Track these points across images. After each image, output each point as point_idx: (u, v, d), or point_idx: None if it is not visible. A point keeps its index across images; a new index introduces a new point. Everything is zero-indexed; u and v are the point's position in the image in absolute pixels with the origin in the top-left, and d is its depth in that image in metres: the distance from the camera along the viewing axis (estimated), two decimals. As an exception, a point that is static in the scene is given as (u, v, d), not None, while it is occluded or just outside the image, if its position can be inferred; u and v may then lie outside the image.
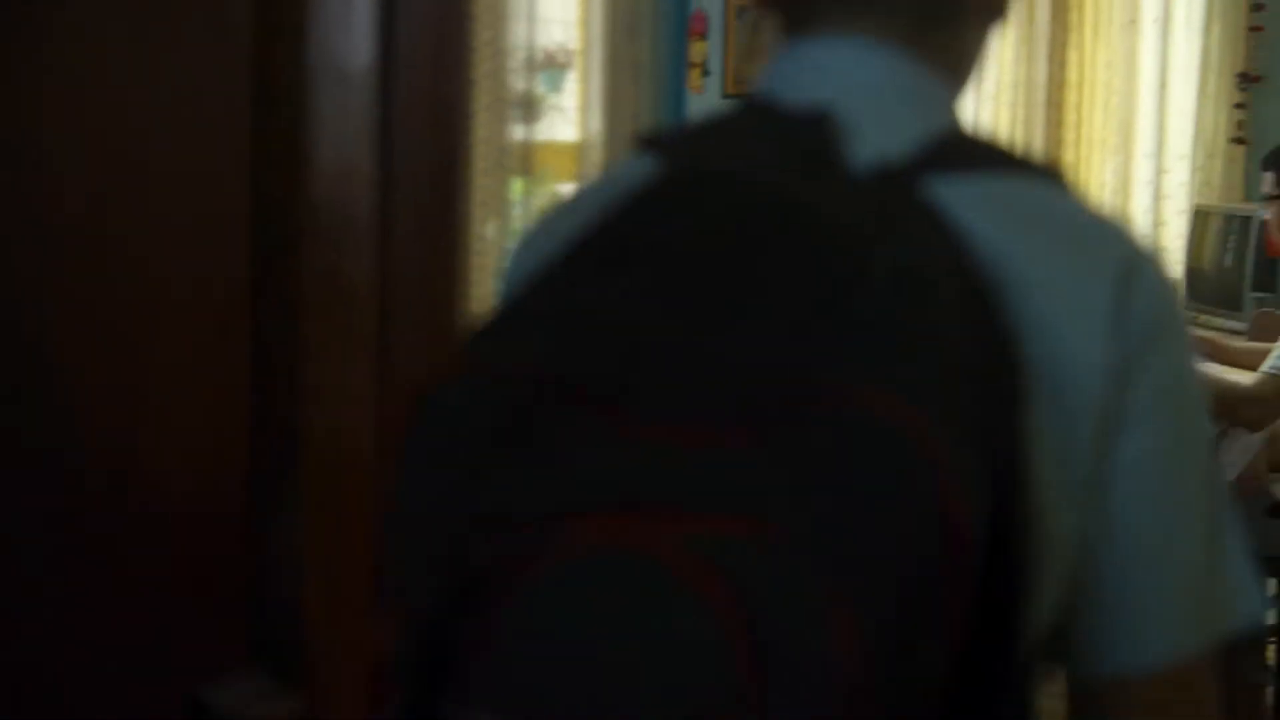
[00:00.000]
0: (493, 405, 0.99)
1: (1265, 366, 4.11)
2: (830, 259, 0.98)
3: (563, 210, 1.22)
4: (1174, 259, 7.75)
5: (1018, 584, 0.97)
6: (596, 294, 1.01)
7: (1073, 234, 1.14)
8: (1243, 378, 4.21)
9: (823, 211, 1.01)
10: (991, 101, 8.13)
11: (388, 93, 1.35)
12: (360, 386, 1.35)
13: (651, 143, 1.19)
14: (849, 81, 1.17)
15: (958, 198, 1.08)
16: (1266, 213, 4.42)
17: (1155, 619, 1.10)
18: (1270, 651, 4.51)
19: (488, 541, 0.94)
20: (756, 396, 0.94)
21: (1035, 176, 1.16)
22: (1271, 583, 4.81)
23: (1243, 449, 4.17)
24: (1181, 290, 7.48)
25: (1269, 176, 4.38)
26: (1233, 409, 4.07)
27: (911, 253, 1.00)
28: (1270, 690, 4.49)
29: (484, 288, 4.82)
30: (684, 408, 0.95)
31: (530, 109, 5.35)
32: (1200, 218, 7.37)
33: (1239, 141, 7.55)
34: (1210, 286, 7.23)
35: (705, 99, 8.91)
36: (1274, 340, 4.22)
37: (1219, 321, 6.96)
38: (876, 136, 1.12)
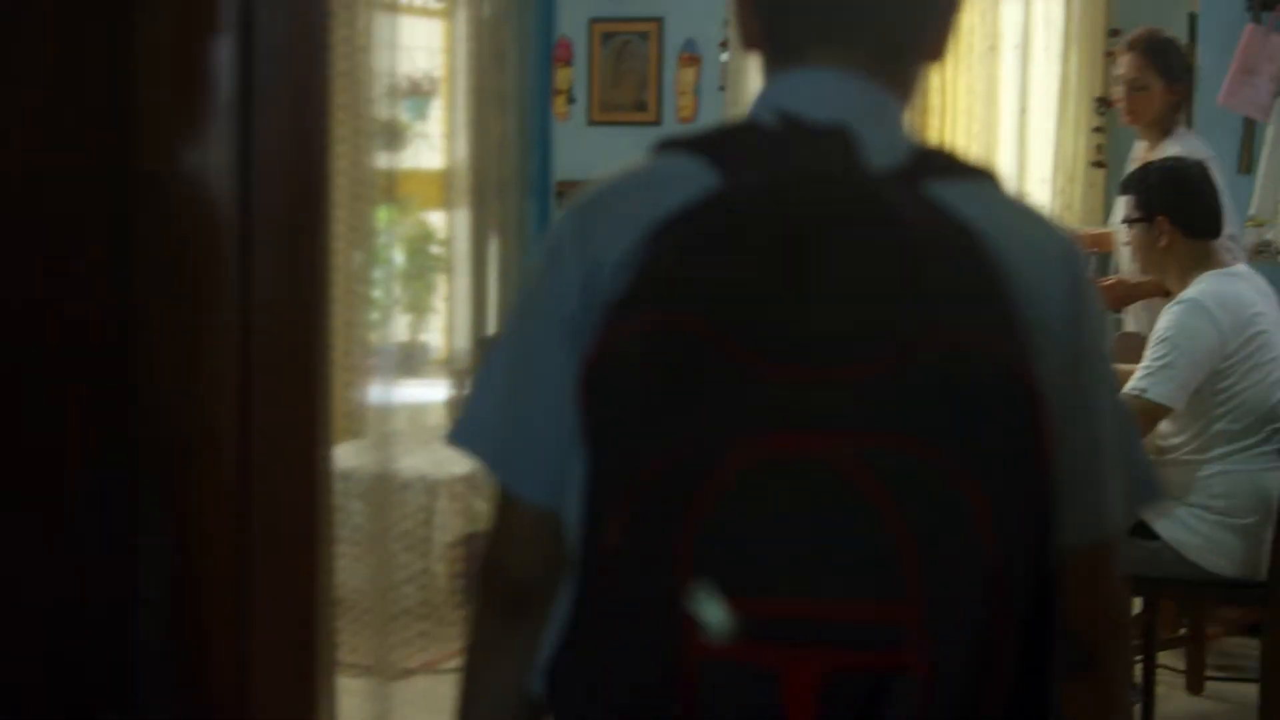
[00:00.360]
0: (669, 353, 1.34)
1: (1128, 388, 4.15)
2: (900, 236, 1.38)
3: (616, 196, 1.51)
4: (1037, 282, 7.85)
5: (1049, 475, 1.37)
6: (732, 266, 1.36)
7: (1029, 223, 1.53)
8: (1105, 399, 4.25)
9: (882, 201, 1.40)
10: (856, 127, 8.20)
11: (247, 125, 1.32)
12: (221, 420, 1.32)
13: (693, 145, 1.49)
14: (842, 104, 1.49)
15: (950, 195, 1.43)
16: (1125, 236, 4.48)
17: (1111, 497, 1.53)
18: (1137, 671, 4.55)
19: (690, 453, 1.31)
20: (882, 340, 1.33)
21: (987, 179, 1.52)
22: (1137, 601, 4.86)
23: (1107, 470, 4.21)
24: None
25: (1128, 200, 4.44)
26: (1097, 430, 4.11)
27: (949, 233, 1.39)
28: (1138, 707, 4.54)
29: (351, 314, 4.75)
30: (824, 352, 1.33)
31: (394, 137, 5.30)
32: (1062, 241, 7.47)
33: (1098, 165, 7.67)
34: (1072, 308, 7.33)
35: (571, 125, 8.91)
36: (1136, 362, 4.27)
37: (1081, 343, 7.05)
38: (875, 149, 1.44)
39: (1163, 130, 5.35)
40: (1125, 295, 4.95)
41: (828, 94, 1.50)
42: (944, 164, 1.50)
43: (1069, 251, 1.52)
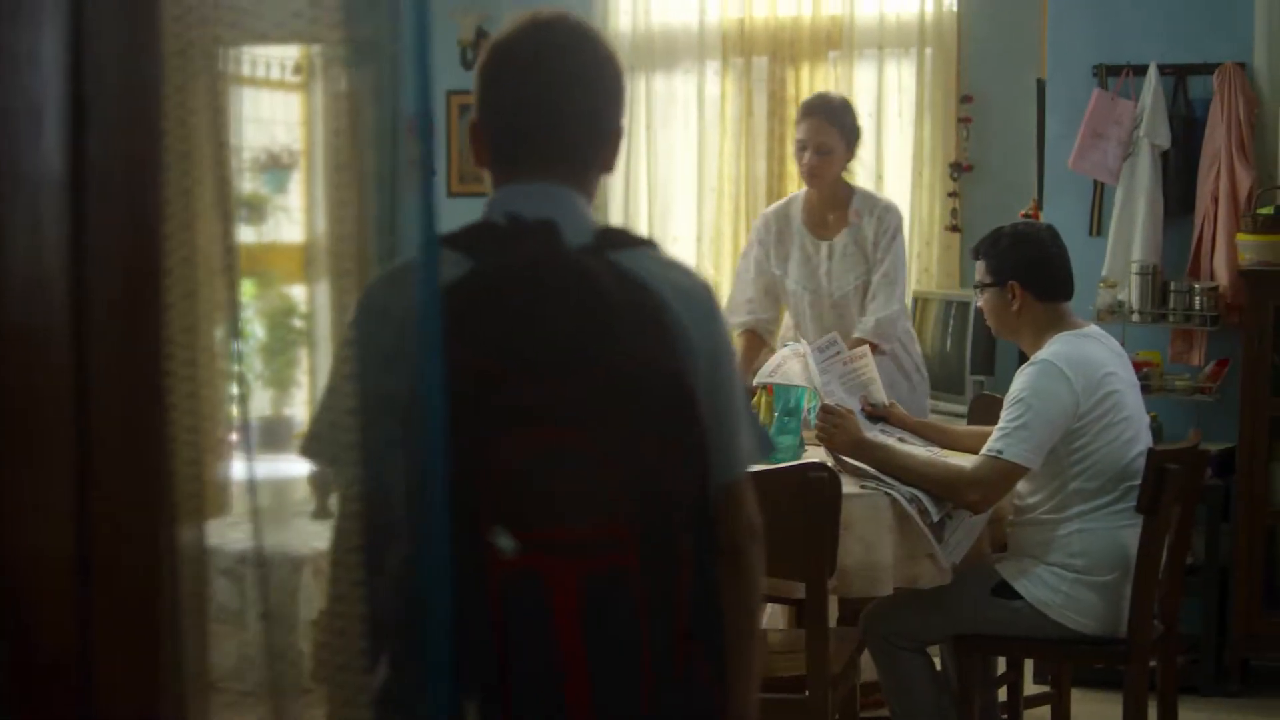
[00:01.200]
0: (464, 379, 1.99)
1: (985, 449, 4.20)
2: (593, 289, 2.11)
3: (393, 285, 2.08)
4: (896, 345, 7.92)
5: (704, 440, 2.16)
6: (493, 319, 2.08)
7: (679, 274, 2.28)
8: (964, 461, 4.30)
9: (580, 268, 2.13)
10: (714, 194, 8.26)
11: (80, 204, 1.31)
12: (57, 503, 1.30)
13: (450, 242, 2.15)
14: (547, 205, 2.23)
15: (624, 259, 2.18)
16: (979, 299, 4.54)
17: (743, 451, 2.31)
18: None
19: (481, 443, 2.03)
20: (589, 361, 2.08)
21: (650, 244, 2.30)
22: (1000, 661, 4.91)
23: (967, 530, 4.25)
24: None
25: (980, 265, 4.50)
26: (956, 492, 4.15)
27: (627, 285, 2.14)
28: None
29: (215, 391, 4.68)
30: (553, 372, 2.07)
31: (254, 210, 5.26)
32: (920, 304, 7.56)
33: (954, 229, 7.78)
34: (932, 370, 7.38)
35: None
36: (993, 423, 4.32)
37: (943, 405, 7.13)
38: (572, 233, 2.18)
39: (843, 189, 5.52)
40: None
41: (537, 199, 2.24)
42: (619, 238, 2.27)
43: (705, 290, 2.31)
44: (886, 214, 5.56)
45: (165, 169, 1.51)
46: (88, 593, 1.34)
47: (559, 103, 2.29)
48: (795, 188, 8.06)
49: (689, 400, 2.13)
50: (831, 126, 5.48)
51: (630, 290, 2.12)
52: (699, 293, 2.27)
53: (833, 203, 5.57)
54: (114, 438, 1.35)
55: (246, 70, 1.85)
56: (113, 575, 1.36)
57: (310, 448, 2.16)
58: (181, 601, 1.63)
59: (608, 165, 2.36)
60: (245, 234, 2.04)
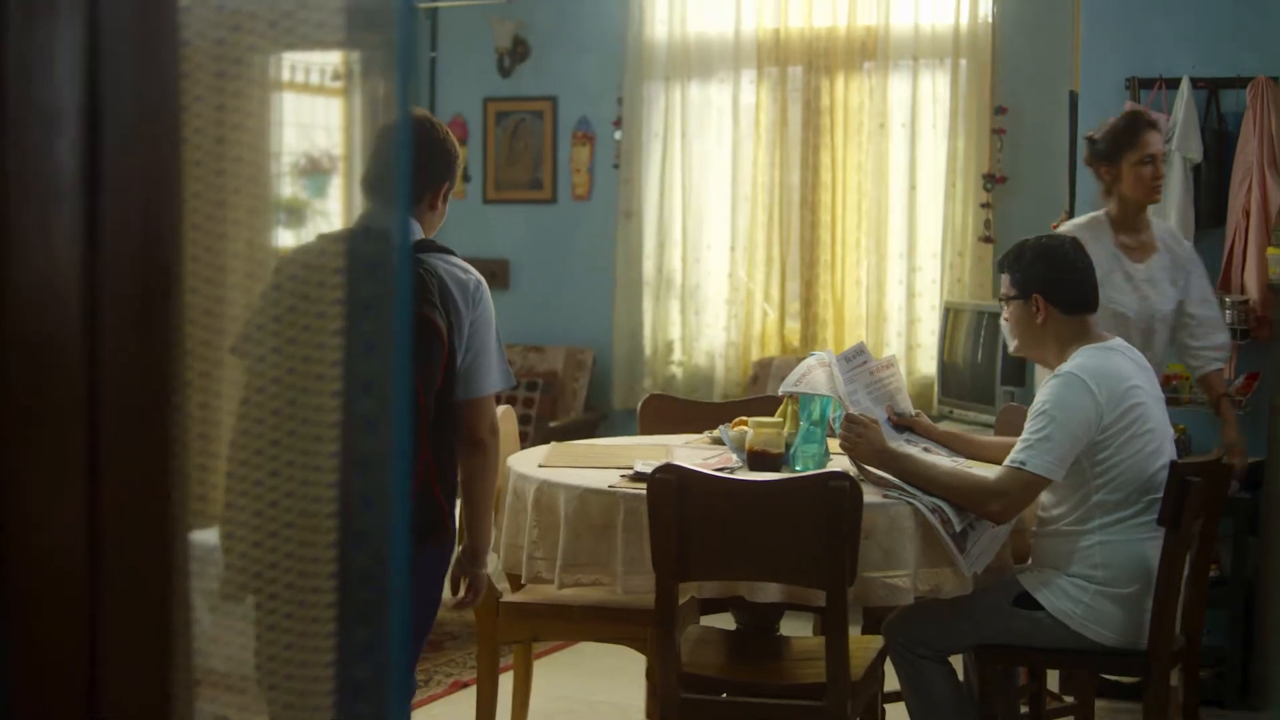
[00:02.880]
0: None
1: (1008, 461, 4.22)
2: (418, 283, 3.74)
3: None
4: (928, 355, 7.95)
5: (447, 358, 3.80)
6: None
7: (459, 270, 3.86)
8: (988, 471, 4.31)
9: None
10: (748, 204, 8.29)
11: (93, 210, 1.34)
12: (68, 504, 1.34)
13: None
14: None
15: (429, 259, 3.82)
16: (1005, 312, 4.55)
17: (488, 380, 3.88)
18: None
19: None
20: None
21: (448, 251, 3.90)
22: (1021, 671, 4.93)
23: (989, 541, 4.27)
24: (935, 385, 7.66)
25: (1004, 278, 4.52)
26: (978, 502, 4.17)
27: (431, 276, 3.77)
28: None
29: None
30: None
31: (293, 215, 5.32)
32: (951, 315, 7.57)
33: (986, 240, 7.79)
34: (963, 381, 7.42)
35: (468, 204, 8.95)
36: (1019, 434, 4.33)
37: (972, 415, 7.15)
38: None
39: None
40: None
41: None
42: (429, 247, 3.85)
43: (474, 280, 3.86)
44: (1182, 239, 5.72)
45: (201, 175, 1.54)
46: (98, 593, 1.37)
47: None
48: (829, 199, 8.09)
49: (438, 334, 3.68)
50: (1162, 140, 5.56)
51: (424, 274, 3.73)
52: (467, 280, 3.84)
53: (1139, 223, 5.57)
54: (125, 440, 1.39)
55: (286, 76, 1.88)
56: (123, 576, 1.39)
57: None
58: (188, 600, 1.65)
59: (434, 204, 3.98)
60: (284, 238, 2.06)
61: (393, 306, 1.70)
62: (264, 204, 1.93)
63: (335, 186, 2.16)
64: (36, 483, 1.34)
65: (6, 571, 1.31)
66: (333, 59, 1.92)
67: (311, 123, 2.05)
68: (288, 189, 2.04)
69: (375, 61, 2.15)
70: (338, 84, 2.00)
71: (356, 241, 1.84)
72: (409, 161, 2.08)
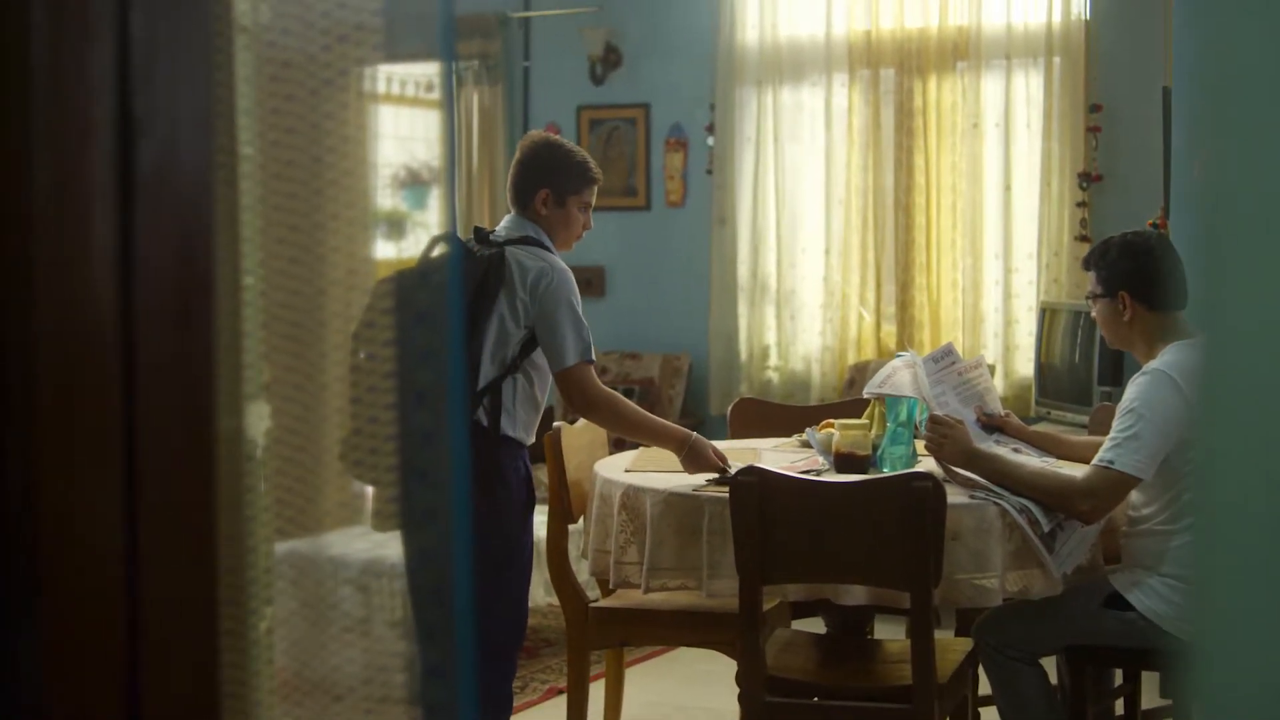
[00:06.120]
0: None
1: (1096, 460, 4.18)
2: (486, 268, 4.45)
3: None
4: (1025, 356, 7.88)
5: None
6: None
7: (532, 259, 4.45)
8: (1076, 471, 4.27)
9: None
10: (842, 207, 8.27)
11: (128, 218, 1.36)
12: (106, 509, 1.35)
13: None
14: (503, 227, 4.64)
15: (514, 253, 4.46)
16: (1093, 310, 4.51)
17: (568, 352, 4.36)
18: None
19: None
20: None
21: (530, 243, 4.50)
22: (1117, 673, 4.87)
23: (1079, 541, 4.23)
24: (1033, 387, 7.60)
25: (1091, 276, 4.47)
26: (1066, 502, 4.13)
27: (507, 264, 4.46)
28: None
29: (342, 402, 4.80)
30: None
31: (394, 227, 5.42)
32: (1048, 315, 7.51)
33: (1083, 239, 7.72)
34: (1060, 381, 7.36)
35: (562, 212, 8.98)
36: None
37: (1070, 416, 7.08)
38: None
39: None
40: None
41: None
42: (526, 240, 4.50)
43: (544, 266, 4.38)
44: None
45: (288, 185, 1.57)
46: (136, 591, 1.39)
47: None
48: (923, 201, 8.05)
49: (525, 307, 4.36)
50: None
51: (500, 260, 4.39)
52: (529, 267, 4.39)
53: None
54: (161, 443, 1.41)
55: (382, 88, 1.90)
56: (161, 574, 1.41)
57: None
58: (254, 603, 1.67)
59: (542, 204, 4.58)
60: (385, 249, 2.08)
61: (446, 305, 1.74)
62: (362, 215, 1.95)
63: (434, 198, 2.18)
64: (75, 483, 1.36)
65: (41, 575, 1.33)
66: (430, 70, 1.93)
67: (411, 135, 2.07)
68: (388, 200, 2.06)
69: (469, 73, 2.16)
70: (433, 95, 2.01)
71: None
72: (452, 172, 2.07)
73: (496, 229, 4.57)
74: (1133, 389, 4.29)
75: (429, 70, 1.90)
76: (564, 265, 4.49)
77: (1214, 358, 1.22)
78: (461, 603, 1.68)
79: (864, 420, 4.67)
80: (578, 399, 4.45)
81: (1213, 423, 1.22)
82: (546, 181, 4.56)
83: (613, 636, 4.94)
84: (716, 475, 4.40)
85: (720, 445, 5.33)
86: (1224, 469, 1.21)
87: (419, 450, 1.64)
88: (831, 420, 4.79)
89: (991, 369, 7.58)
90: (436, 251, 1.87)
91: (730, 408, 5.82)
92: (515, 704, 5.92)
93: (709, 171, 8.64)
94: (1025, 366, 7.89)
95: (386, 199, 1.99)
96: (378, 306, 1.61)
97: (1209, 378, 1.23)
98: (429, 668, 1.71)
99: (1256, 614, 1.20)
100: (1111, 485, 4.17)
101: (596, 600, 4.95)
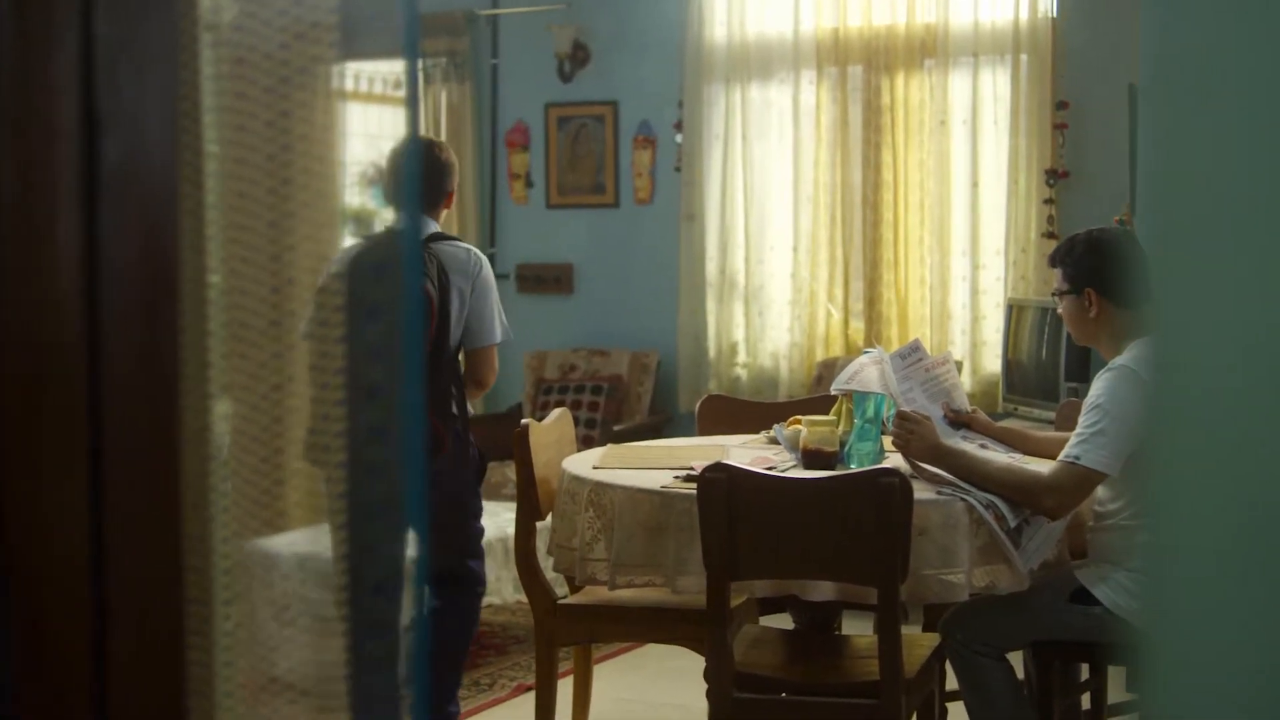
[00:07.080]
0: None
1: (1062, 455, 4.19)
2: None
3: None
4: (993, 352, 7.91)
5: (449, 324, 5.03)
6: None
7: (459, 250, 5.10)
8: (1043, 467, 4.29)
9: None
10: (810, 204, 8.28)
11: (94, 214, 1.36)
12: (73, 509, 1.35)
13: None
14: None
15: (437, 247, 5.00)
16: (1059, 306, 4.53)
17: (490, 333, 5.10)
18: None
19: None
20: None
21: (452, 238, 5.25)
22: (1083, 668, 4.89)
23: (1045, 536, 4.24)
24: (1001, 383, 7.63)
25: (1057, 272, 4.49)
26: (1032, 497, 4.14)
27: (431, 257, 4.95)
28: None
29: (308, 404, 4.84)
30: None
31: (363, 223, 5.52)
32: (1015, 312, 7.54)
33: (1050, 236, 7.74)
34: (1028, 377, 7.39)
35: (531, 209, 8.99)
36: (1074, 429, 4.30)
37: (1037, 411, 7.11)
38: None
39: None
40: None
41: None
42: (437, 237, 5.04)
43: (473, 256, 5.05)
44: None
45: (252, 182, 1.57)
46: (103, 590, 1.39)
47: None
48: (891, 198, 8.07)
49: (428, 301, 4.66)
50: None
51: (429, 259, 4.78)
52: (467, 257, 5.00)
53: None
54: (126, 444, 1.41)
55: (350, 85, 1.89)
56: (128, 573, 1.41)
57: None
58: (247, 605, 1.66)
59: (446, 207, 5.24)
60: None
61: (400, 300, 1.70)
62: (330, 214, 1.94)
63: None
64: (41, 488, 1.36)
65: (8, 575, 1.33)
66: (396, 68, 1.93)
67: (380, 133, 2.06)
68: (356, 198, 2.05)
69: (436, 71, 2.15)
70: (401, 93, 2.00)
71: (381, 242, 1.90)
72: (417, 176, 2.03)
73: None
74: (1098, 385, 4.31)
75: (397, 68, 1.90)
76: None
77: (1166, 354, 1.23)
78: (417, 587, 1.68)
79: (831, 416, 4.68)
80: (489, 374, 5.19)
81: (1167, 417, 1.23)
82: (453, 185, 5.28)
83: (580, 633, 4.94)
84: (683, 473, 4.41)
85: (686, 442, 5.33)
86: (1178, 464, 1.22)
87: (374, 435, 1.64)
88: (799, 417, 4.80)
89: (959, 365, 7.61)
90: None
91: (699, 404, 5.83)
92: (484, 700, 5.93)
93: (677, 169, 8.65)
94: (993, 362, 7.92)
95: (355, 196, 1.97)
96: (329, 304, 1.62)
97: (1162, 373, 1.24)
98: (377, 662, 1.71)
99: (1208, 607, 1.21)
100: (1077, 481, 4.18)
101: (565, 597, 4.95)
